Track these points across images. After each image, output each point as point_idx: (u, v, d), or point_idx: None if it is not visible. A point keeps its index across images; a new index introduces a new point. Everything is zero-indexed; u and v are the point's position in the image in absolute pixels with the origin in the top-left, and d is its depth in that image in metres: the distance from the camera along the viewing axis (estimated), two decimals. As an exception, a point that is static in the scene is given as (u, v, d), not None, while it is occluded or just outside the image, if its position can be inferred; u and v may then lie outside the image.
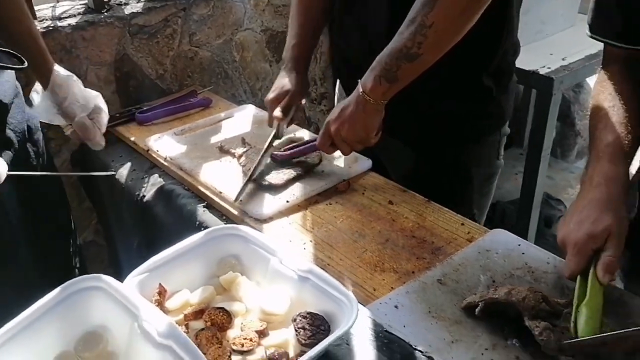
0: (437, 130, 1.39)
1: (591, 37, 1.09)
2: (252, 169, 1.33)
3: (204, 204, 1.33)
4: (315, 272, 0.84)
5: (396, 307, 0.97)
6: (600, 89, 1.04)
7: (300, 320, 0.78)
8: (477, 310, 0.93)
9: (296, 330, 0.77)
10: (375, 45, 1.20)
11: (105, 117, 1.41)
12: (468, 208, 1.48)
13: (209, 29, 1.98)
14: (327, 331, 0.77)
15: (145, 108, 1.74)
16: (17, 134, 1.26)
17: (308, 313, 0.79)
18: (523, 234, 1.12)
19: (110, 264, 1.89)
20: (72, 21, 1.68)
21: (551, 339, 0.84)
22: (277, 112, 1.41)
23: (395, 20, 1.17)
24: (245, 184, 1.30)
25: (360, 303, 0.98)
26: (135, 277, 0.84)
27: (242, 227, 0.95)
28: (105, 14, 1.74)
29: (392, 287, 1.03)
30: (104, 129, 1.41)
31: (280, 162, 1.39)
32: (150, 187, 1.44)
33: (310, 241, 1.17)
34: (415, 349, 0.85)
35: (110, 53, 1.77)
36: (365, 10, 1.34)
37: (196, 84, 2.00)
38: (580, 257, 0.88)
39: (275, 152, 1.40)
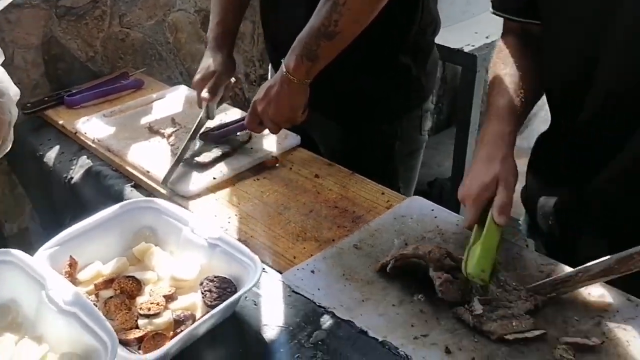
0: (358, 107, 1.44)
1: (493, 13, 1.15)
2: (180, 151, 1.35)
3: (132, 183, 1.35)
4: (224, 239, 0.87)
5: (312, 272, 1.02)
6: (497, 60, 1.11)
7: (207, 283, 0.82)
8: (388, 268, 0.98)
9: (202, 293, 0.80)
10: (299, 25, 1.23)
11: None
12: (394, 181, 1.53)
13: (140, 10, 1.96)
14: (233, 293, 0.81)
15: (74, 91, 1.72)
16: None
17: (215, 277, 0.83)
18: (457, 208, 1.19)
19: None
20: (-6, 4, 1.64)
21: (450, 290, 0.90)
22: (205, 93, 1.42)
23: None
24: (173, 166, 1.31)
25: (279, 271, 1.03)
26: (45, 250, 0.85)
27: (156, 199, 0.98)
28: (30, -5, 1.71)
29: (311, 255, 1.08)
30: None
31: (210, 141, 1.41)
32: (78, 169, 1.44)
33: (236, 215, 1.20)
34: (320, 306, 0.90)
35: (37, 36, 1.74)
36: None
37: (129, 66, 1.98)
38: (476, 207, 0.97)
39: (205, 131, 1.42)
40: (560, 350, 0.81)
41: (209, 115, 1.44)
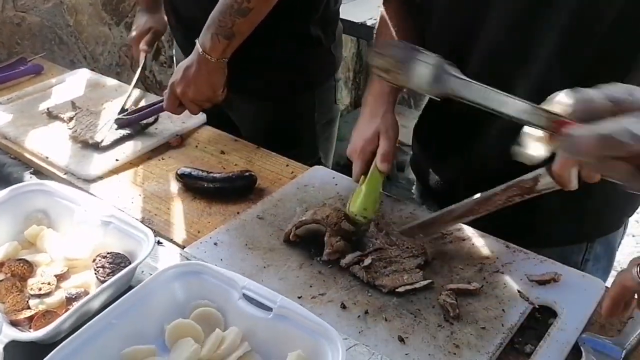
0: (275, 82, 1.45)
1: None
2: (122, 105, 1.38)
3: (31, 170, 1.31)
4: (117, 216, 0.88)
5: (215, 244, 1.04)
6: (380, 23, 1.16)
7: (100, 260, 0.82)
8: (290, 236, 1.02)
9: (95, 270, 0.81)
10: (208, 1, 1.23)
11: None
12: (315, 152, 1.57)
13: (35, -8, 1.88)
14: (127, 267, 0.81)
15: (-33, 80, 1.64)
16: None
17: (108, 253, 0.84)
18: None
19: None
20: None
21: (342, 258, 0.96)
22: (143, 46, 1.49)
23: None
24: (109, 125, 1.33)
25: (183, 246, 1.04)
26: None
27: (47, 182, 0.97)
28: None
29: (216, 228, 1.09)
30: None
31: (126, 126, 1.38)
32: (-27, 160, 1.38)
33: (140, 195, 1.20)
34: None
35: None
36: None
37: (27, 51, 1.91)
38: (362, 161, 1.05)
39: (120, 117, 1.39)
40: (444, 295, 0.88)
41: (146, 67, 1.50)
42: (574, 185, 0.85)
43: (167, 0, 1.53)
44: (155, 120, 1.44)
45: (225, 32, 1.19)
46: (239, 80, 1.38)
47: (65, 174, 1.26)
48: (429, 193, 1.26)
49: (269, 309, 0.71)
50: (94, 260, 0.82)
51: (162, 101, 1.37)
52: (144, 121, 1.41)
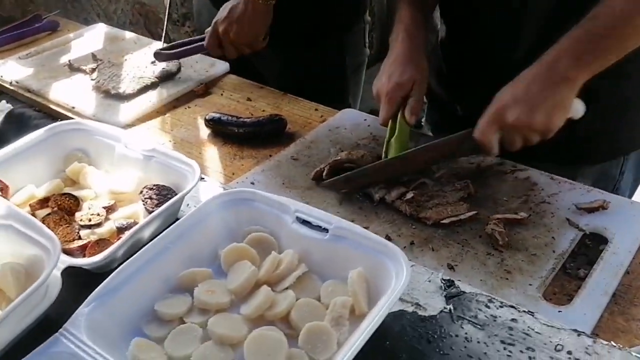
0: (302, 25, 1.42)
1: None
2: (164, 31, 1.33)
3: (58, 121, 1.29)
4: (158, 149, 0.86)
5: (252, 183, 1.03)
6: None
7: (147, 191, 0.81)
8: (323, 174, 1.01)
9: (143, 201, 0.80)
10: None
11: None
12: (345, 97, 1.55)
13: (46, -52, 1.85)
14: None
15: (-17, 37, 1.61)
16: None
17: (154, 185, 0.82)
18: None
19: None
20: None
21: (387, 194, 0.94)
22: None
23: None
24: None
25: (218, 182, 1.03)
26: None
27: (83, 120, 0.95)
28: None
29: (250, 170, 1.08)
30: None
31: (164, 60, 1.37)
32: (-2, 114, 1.37)
33: (170, 141, 1.19)
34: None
35: None
36: None
37: (41, 9, 1.88)
38: (391, 105, 1.01)
39: (161, 51, 1.37)
40: (492, 225, 0.86)
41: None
42: (495, 151, 0.89)
43: None
44: (178, 69, 1.41)
45: None
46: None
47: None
48: (444, 129, 1.26)
49: (325, 231, 0.70)
50: (140, 192, 0.81)
51: (202, 39, 1.34)
52: (168, 69, 1.39)
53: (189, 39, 1.44)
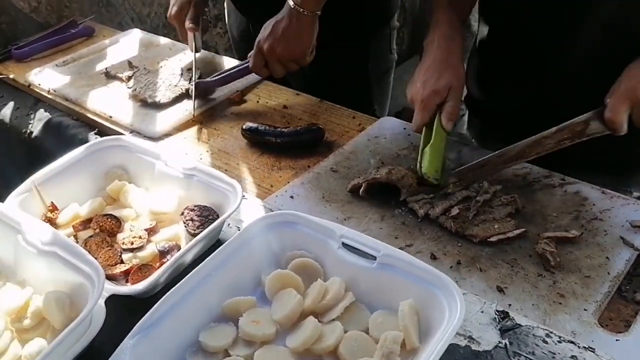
0: (325, 30, 1.39)
1: None
2: (192, 85, 1.29)
3: (95, 131, 1.30)
4: (199, 168, 0.85)
5: (292, 197, 1.01)
6: None
7: (188, 213, 0.80)
8: (360, 191, 0.98)
9: (185, 223, 0.79)
10: None
11: None
12: (369, 104, 1.51)
13: (83, -46, 1.85)
14: (215, 220, 0.79)
15: (22, 44, 1.63)
16: None
17: (195, 206, 0.81)
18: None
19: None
20: None
21: (432, 209, 0.91)
22: (189, 24, 1.35)
23: None
24: (195, 99, 1.27)
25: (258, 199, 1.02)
26: (16, 197, 0.82)
27: (123, 137, 0.95)
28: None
29: (288, 182, 1.06)
30: None
31: (209, 88, 1.33)
32: (37, 123, 1.38)
33: (207, 151, 1.18)
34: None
35: (-30, -14, 1.63)
36: None
37: (76, 14, 1.88)
38: (426, 112, 0.99)
39: (202, 80, 1.33)
40: (542, 244, 0.83)
41: (197, 48, 1.37)
42: (624, 129, 0.84)
43: None
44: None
45: None
46: None
47: (130, 132, 1.24)
48: (488, 136, 1.22)
49: (372, 258, 0.68)
50: (182, 214, 0.81)
51: (246, 63, 1.29)
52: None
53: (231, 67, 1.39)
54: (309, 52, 1.23)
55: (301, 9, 1.14)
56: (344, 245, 0.70)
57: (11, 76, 1.51)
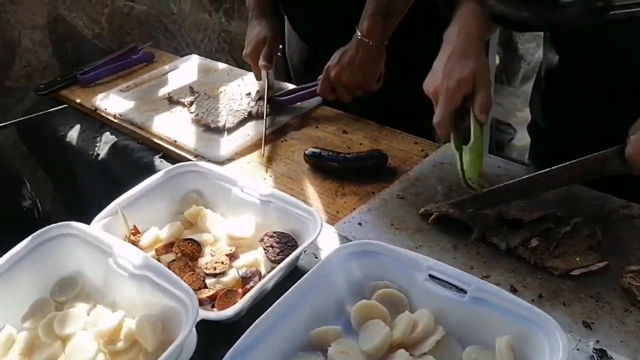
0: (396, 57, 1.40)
1: None
2: (265, 124, 1.31)
3: (160, 154, 1.33)
4: (276, 195, 0.86)
5: (360, 224, 1.01)
6: None
7: (268, 239, 0.81)
8: (430, 219, 0.97)
9: (265, 249, 0.80)
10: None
11: None
12: (426, 130, 1.50)
13: (143, -18, 1.92)
14: (294, 247, 0.80)
15: (86, 69, 1.69)
16: None
17: (274, 232, 0.82)
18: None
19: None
20: (-4, -16, 1.60)
21: (516, 241, 0.90)
22: (262, 61, 1.39)
23: None
24: (265, 137, 1.28)
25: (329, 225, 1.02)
26: (100, 221, 0.84)
27: (199, 162, 0.96)
28: (31, -27, 1.66)
29: (354, 209, 1.06)
30: None
31: (278, 108, 1.37)
32: (103, 146, 1.42)
33: (270, 176, 1.19)
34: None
35: (42, 15, 1.70)
36: None
37: (136, 40, 1.94)
38: (451, 103, 0.91)
39: (272, 96, 1.38)
40: (627, 278, 0.81)
41: (270, 85, 1.40)
42: None
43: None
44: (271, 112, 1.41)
45: (382, 10, 1.15)
46: None
47: (195, 156, 1.27)
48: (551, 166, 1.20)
49: (462, 291, 0.67)
50: (261, 240, 0.81)
51: (315, 85, 1.33)
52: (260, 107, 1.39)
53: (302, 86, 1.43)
54: (374, 80, 1.25)
55: (367, 40, 1.17)
56: (431, 277, 0.69)
57: (77, 101, 1.56)
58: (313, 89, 1.35)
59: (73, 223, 0.77)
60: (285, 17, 1.51)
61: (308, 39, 1.49)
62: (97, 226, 0.83)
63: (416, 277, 0.70)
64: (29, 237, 0.76)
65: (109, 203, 1.36)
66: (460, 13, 1.01)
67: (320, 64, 1.54)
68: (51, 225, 0.77)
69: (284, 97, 1.39)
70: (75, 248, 0.77)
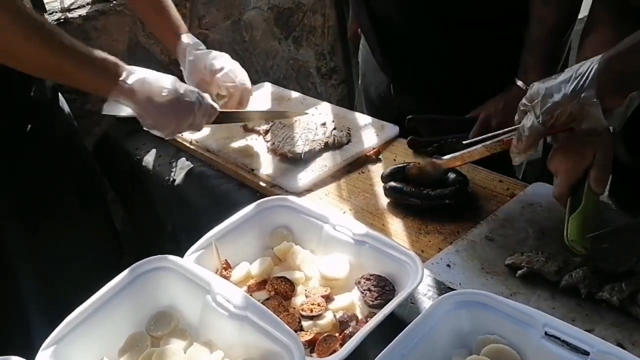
0: (482, 93, 1.37)
1: None
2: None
3: (237, 182, 1.33)
4: (372, 235, 0.84)
5: (448, 265, 0.97)
6: (584, 35, 1.06)
7: (365, 282, 0.78)
8: (519, 272, 0.92)
9: (362, 292, 0.77)
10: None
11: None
12: (508, 165, 1.46)
13: (217, 11, 1.95)
14: (392, 291, 0.77)
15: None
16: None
17: (371, 275, 0.79)
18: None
19: (138, 251, 1.88)
20: (82, 12, 1.66)
21: (622, 294, 0.84)
22: None
23: None
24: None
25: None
26: (193, 253, 0.84)
27: (290, 197, 0.95)
28: (114, 2, 1.72)
29: (439, 248, 1.03)
30: None
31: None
32: (179, 171, 1.43)
33: (350, 210, 1.17)
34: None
35: (123, 42, 1.75)
36: None
37: (208, 67, 1.98)
38: (570, 176, 0.93)
39: (416, 139, 1.31)
40: None
41: None
42: None
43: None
44: (349, 141, 1.39)
45: (549, 59, 1.15)
46: (444, 93, 1.33)
47: (272, 186, 1.26)
48: (634, 205, 1.13)
49: (583, 353, 0.62)
50: (358, 282, 0.79)
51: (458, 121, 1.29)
52: (338, 139, 1.37)
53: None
54: None
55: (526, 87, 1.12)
56: (547, 334, 0.65)
57: (155, 126, 1.58)
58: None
59: (170, 257, 0.76)
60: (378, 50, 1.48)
61: (393, 73, 1.47)
62: (190, 259, 0.82)
63: (530, 334, 0.66)
64: (127, 270, 0.76)
65: (182, 230, 1.37)
66: None
67: (399, 99, 1.52)
68: (149, 258, 0.77)
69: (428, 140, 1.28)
70: (171, 282, 0.76)
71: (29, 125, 1.26)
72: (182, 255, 0.84)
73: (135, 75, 1.10)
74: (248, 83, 1.37)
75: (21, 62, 1.00)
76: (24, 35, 0.93)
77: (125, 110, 1.13)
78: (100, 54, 1.09)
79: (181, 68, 1.37)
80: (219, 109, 1.26)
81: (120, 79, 1.09)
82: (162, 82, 1.14)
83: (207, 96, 1.23)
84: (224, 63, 1.36)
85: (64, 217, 1.33)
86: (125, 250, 1.90)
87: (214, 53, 1.37)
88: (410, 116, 1.31)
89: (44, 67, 1.04)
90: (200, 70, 1.36)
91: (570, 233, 0.90)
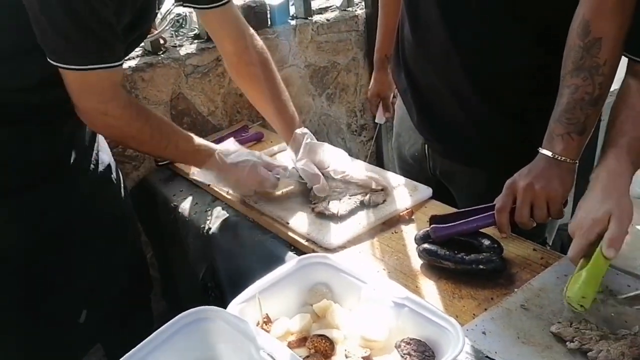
0: (508, 151, 1.37)
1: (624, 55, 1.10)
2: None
3: (271, 235, 1.35)
4: (412, 298, 0.84)
5: (484, 333, 0.97)
6: (618, 101, 1.09)
7: (405, 346, 0.79)
8: (570, 344, 0.92)
9: (402, 356, 0.77)
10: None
11: None
12: (540, 233, 1.45)
13: (258, 67, 2.03)
14: (432, 357, 0.77)
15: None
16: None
17: (411, 339, 0.80)
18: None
19: (164, 296, 1.89)
20: (132, 63, 1.74)
21: None
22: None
23: (453, 41, 1.27)
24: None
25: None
26: (237, 305, 0.85)
27: (330, 255, 0.97)
28: (162, 55, 1.80)
29: (473, 314, 1.03)
30: None
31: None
32: (214, 220, 1.46)
33: (384, 269, 1.18)
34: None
35: (167, 92, 1.82)
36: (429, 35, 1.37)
37: (245, 119, 2.04)
38: (585, 240, 0.95)
39: (437, 226, 1.19)
40: None
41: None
42: None
43: (398, 61, 1.51)
44: (384, 201, 1.40)
45: (577, 128, 1.12)
46: (477, 151, 1.35)
47: (306, 241, 1.28)
48: None
49: None
50: (397, 346, 0.79)
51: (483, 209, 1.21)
52: (374, 199, 1.39)
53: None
54: (567, 195, 1.15)
55: (562, 158, 1.13)
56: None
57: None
58: (485, 215, 1.19)
59: (215, 308, 0.78)
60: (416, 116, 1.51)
61: (428, 132, 1.50)
62: (234, 310, 0.84)
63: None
64: (175, 319, 0.77)
65: (213, 277, 1.38)
66: (608, 150, 1.05)
67: (433, 160, 1.55)
68: (197, 309, 0.78)
69: (447, 226, 1.19)
70: (216, 334, 0.77)
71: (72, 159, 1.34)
72: (211, 303, 0.85)
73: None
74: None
75: (140, 144, 1.30)
76: (138, 125, 1.24)
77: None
78: (197, 139, 1.35)
79: (290, 149, 1.48)
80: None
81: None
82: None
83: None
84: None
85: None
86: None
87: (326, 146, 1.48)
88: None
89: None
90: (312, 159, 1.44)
91: (568, 289, 0.94)
